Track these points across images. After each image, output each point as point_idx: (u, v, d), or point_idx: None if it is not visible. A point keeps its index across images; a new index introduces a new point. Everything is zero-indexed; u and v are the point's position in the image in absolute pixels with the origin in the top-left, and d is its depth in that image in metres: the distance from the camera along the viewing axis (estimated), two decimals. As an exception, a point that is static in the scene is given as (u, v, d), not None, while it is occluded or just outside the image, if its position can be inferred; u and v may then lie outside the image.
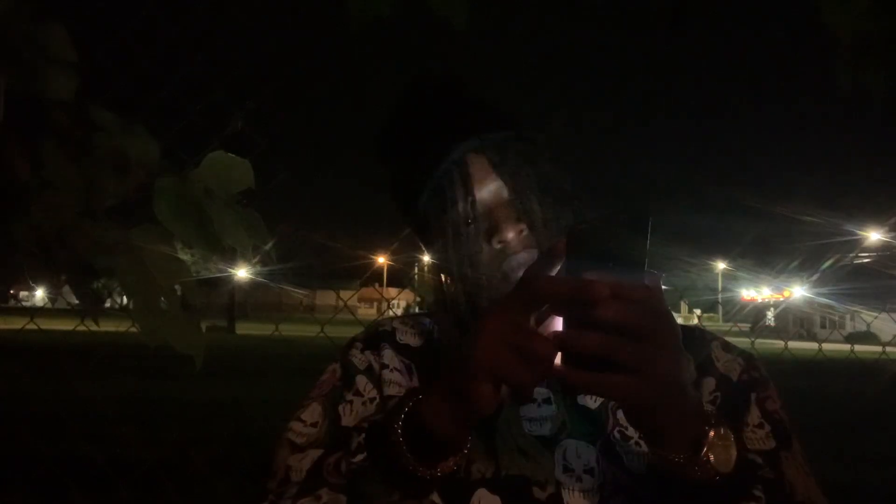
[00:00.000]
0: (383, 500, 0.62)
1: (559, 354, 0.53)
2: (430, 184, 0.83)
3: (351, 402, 0.78)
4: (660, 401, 0.52)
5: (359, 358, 0.84)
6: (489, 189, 0.80)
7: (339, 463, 0.67)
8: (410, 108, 0.89)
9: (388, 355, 0.84)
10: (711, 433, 0.55)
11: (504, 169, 0.80)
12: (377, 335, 0.87)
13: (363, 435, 0.66)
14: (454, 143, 0.82)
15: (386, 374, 0.82)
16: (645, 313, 0.50)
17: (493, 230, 0.78)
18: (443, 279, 0.84)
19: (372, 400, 0.79)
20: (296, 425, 0.76)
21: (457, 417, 0.58)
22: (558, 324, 0.54)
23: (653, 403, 0.52)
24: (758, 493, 0.61)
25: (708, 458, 0.54)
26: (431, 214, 0.84)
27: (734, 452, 0.56)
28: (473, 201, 0.80)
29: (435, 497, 0.69)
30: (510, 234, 0.78)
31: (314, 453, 0.71)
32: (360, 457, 0.65)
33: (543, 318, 0.57)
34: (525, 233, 0.78)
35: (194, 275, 0.75)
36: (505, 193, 0.80)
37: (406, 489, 0.62)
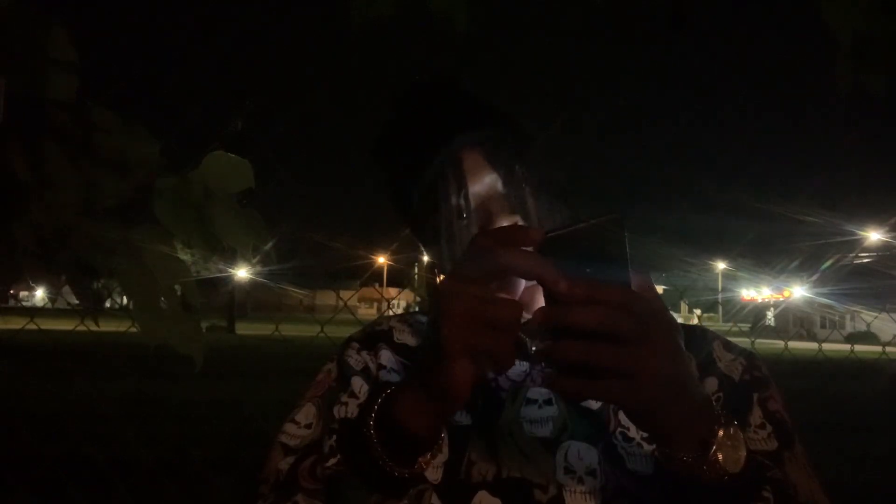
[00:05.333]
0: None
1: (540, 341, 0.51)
2: (425, 179, 0.83)
3: (346, 403, 0.76)
4: (657, 401, 0.51)
5: (355, 358, 0.83)
6: (483, 183, 0.80)
7: (313, 467, 0.65)
8: (405, 107, 0.89)
9: (386, 356, 0.83)
10: (720, 432, 0.54)
11: (498, 163, 0.80)
12: (374, 335, 0.86)
13: (334, 437, 0.65)
14: (448, 138, 0.81)
15: (383, 374, 0.81)
16: (627, 316, 0.50)
17: (486, 223, 0.78)
18: (438, 276, 0.84)
19: None
20: (289, 427, 0.75)
21: (429, 411, 0.57)
22: (520, 286, 0.53)
23: (649, 404, 0.51)
24: (767, 493, 0.59)
25: (716, 457, 0.54)
26: (426, 210, 0.83)
27: (743, 452, 0.55)
28: (467, 195, 0.80)
29: (434, 500, 0.69)
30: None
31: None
32: (333, 461, 0.64)
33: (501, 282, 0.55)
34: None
35: (194, 275, 0.75)
36: (499, 187, 0.80)
37: (384, 490, 0.61)
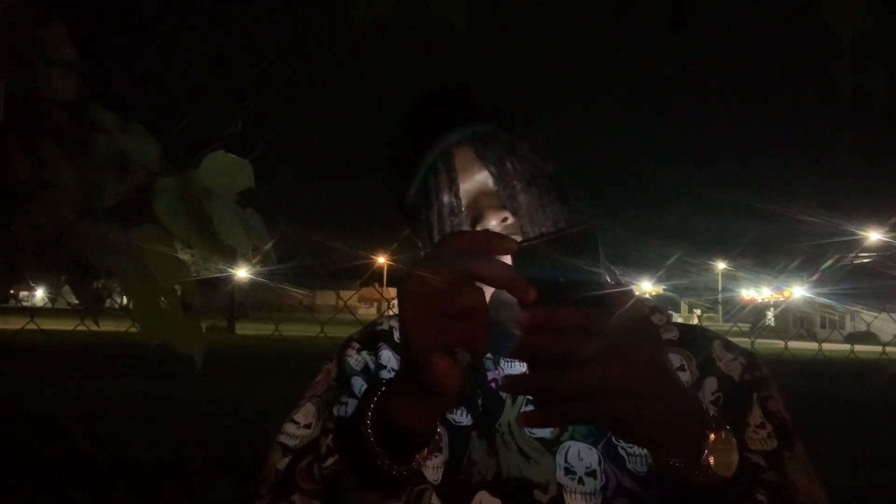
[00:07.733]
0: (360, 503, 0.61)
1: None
2: (418, 177, 0.83)
3: (346, 403, 0.77)
4: (635, 414, 0.51)
5: (355, 358, 0.83)
6: (474, 180, 0.81)
7: (310, 467, 0.65)
8: (407, 108, 0.90)
9: (386, 356, 0.83)
10: (711, 436, 0.54)
11: (488, 159, 0.81)
12: (374, 335, 0.87)
13: (331, 437, 0.65)
14: (440, 136, 0.82)
15: (383, 374, 0.81)
16: (586, 338, 0.49)
17: (476, 219, 0.79)
18: None
19: None
20: (288, 427, 0.75)
21: (422, 407, 0.57)
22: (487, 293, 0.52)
23: (626, 418, 0.51)
24: (760, 497, 0.60)
25: (708, 462, 0.54)
26: (421, 208, 0.84)
27: (735, 456, 0.55)
28: (457, 192, 0.80)
29: (434, 500, 0.69)
30: (493, 223, 0.78)
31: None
32: (331, 460, 0.64)
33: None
34: (509, 220, 0.78)
35: (194, 275, 0.75)
36: (490, 183, 0.80)
37: (381, 489, 0.61)
